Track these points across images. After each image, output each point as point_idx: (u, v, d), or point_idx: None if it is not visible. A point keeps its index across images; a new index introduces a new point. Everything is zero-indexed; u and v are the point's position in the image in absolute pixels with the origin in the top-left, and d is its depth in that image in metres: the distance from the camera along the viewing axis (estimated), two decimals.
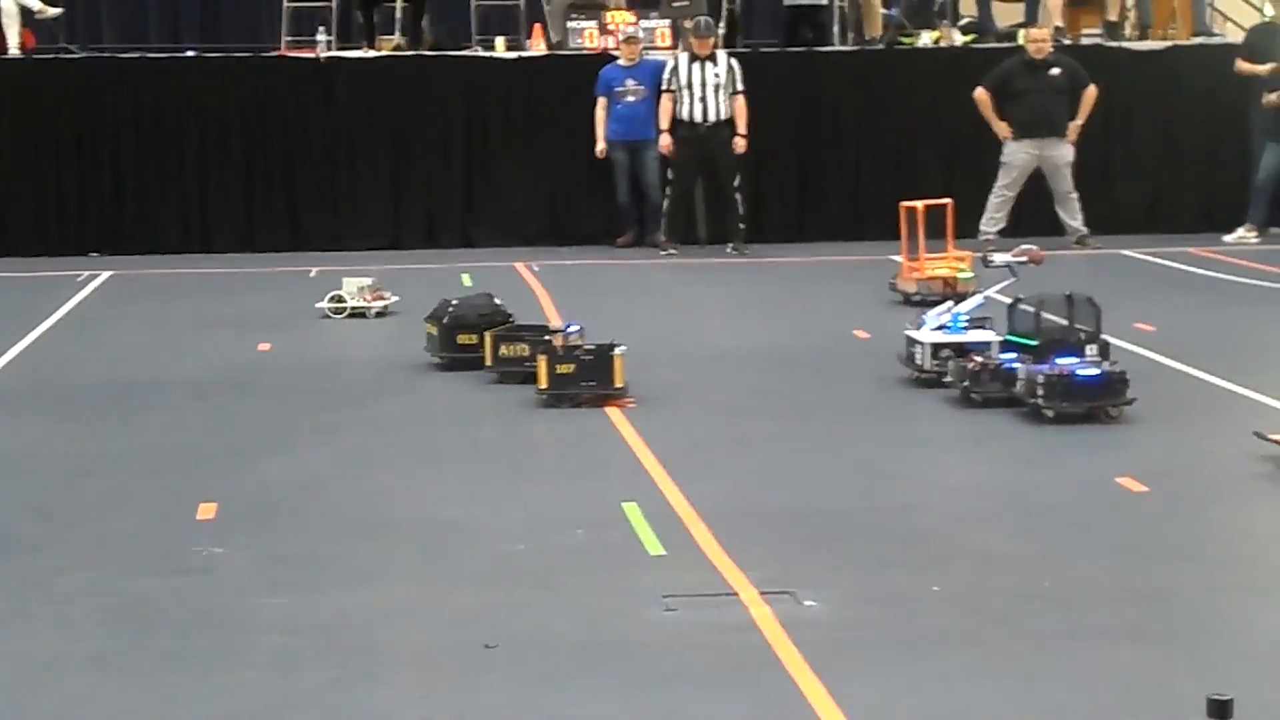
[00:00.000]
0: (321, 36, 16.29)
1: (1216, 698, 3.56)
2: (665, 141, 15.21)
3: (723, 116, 15.15)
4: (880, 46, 16.97)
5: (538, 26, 16.68)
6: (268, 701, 5.08)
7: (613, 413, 8.82)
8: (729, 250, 15.22)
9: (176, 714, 5.02)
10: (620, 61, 15.63)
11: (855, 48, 16.90)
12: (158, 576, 6.31)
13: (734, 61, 15.29)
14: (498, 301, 10.45)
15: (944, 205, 12.72)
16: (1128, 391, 8.55)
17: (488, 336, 9.73)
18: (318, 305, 11.94)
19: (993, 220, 15.28)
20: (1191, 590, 6.05)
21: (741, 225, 15.32)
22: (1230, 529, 6.91)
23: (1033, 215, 15.48)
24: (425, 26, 16.92)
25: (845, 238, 15.95)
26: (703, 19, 15.46)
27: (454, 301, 10.33)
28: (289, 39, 17.00)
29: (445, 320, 10.12)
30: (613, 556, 6.47)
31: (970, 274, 11.87)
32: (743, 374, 10.07)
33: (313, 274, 14.48)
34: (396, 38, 16.87)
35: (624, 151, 15.56)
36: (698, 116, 15.14)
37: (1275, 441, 7.62)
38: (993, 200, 15.28)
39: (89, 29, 18.43)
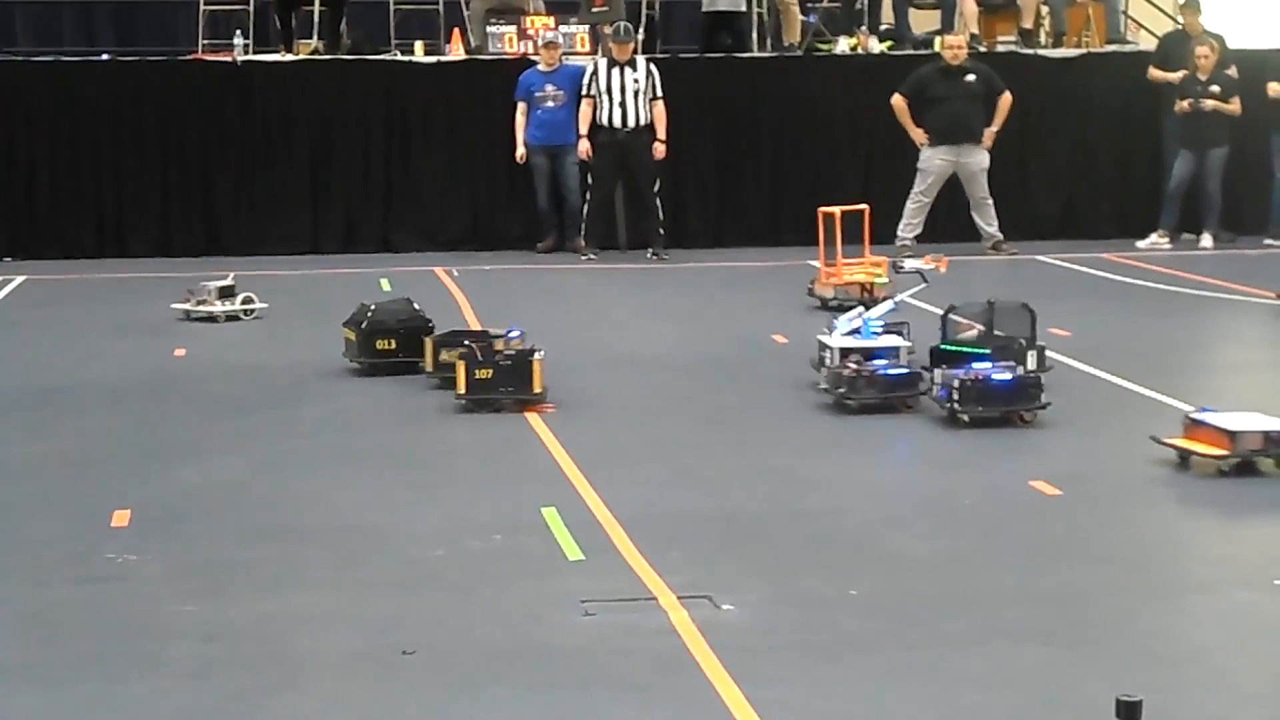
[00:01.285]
0: (239, 40, 16.20)
1: (1125, 699, 3.60)
2: (584, 147, 15.23)
3: (642, 122, 15.19)
4: (798, 53, 17.05)
5: (456, 31, 16.65)
6: (182, 709, 5.05)
7: (532, 418, 8.81)
8: (649, 256, 15.24)
9: None
10: (540, 67, 15.62)
11: (773, 54, 16.97)
12: (71, 584, 6.25)
13: (653, 67, 15.33)
14: (416, 306, 10.41)
15: (861, 211, 12.70)
16: (1041, 396, 8.61)
17: (428, 341, 9.69)
18: (174, 305, 12.09)
19: (909, 226, 15.38)
20: (1103, 592, 6.11)
21: (661, 231, 15.35)
22: (1141, 532, 6.99)
23: (949, 221, 15.60)
24: (343, 30, 16.85)
25: (764, 243, 16.01)
26: (622, 24, 15.49)
27: (372, 306, 10.28)
28: (206, 42, 16.87)
29: (364, 325, 10.07)
30: (531, 562, 6.47)
31: (887, 279, 11.94)
32: (662, 379, 10.08)
33: (230, 279, 14.37)
34: (314, 41, 16.78)
35: (544, 156, 15.55)
36: (617, 122, 15.17)
37: (1172, 446, 7.72)
38: (910, 206, 15.37)
39: (2, 31, 18.22)
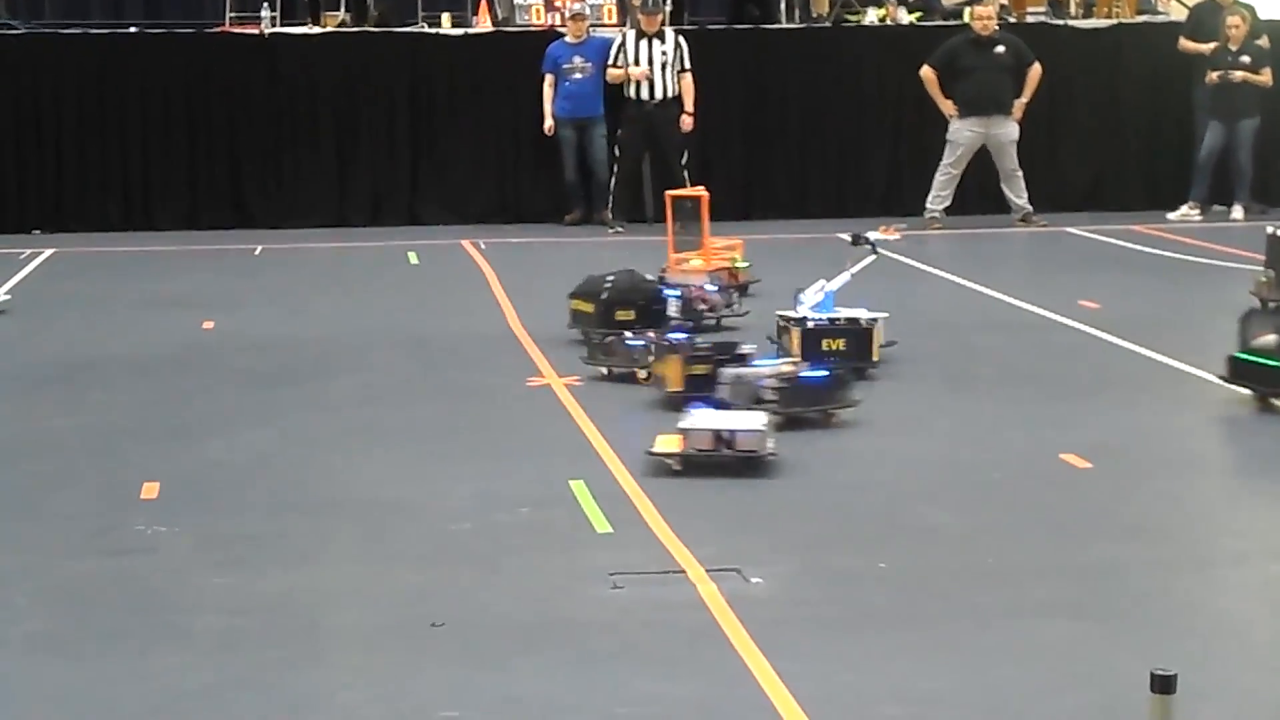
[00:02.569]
0: (265, 12, 16.18)
1: (1160, 672, 3.57)
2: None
3: (670, 94, 15.15)
4: (826, 24, 16.98)
5: (484, 3, 16.61)
6: (210, 682, 5.05)
7: (560, 391, 8.80)
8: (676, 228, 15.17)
9: (117, 695, 4.98)
10: (567, 39, 15.57)
11: (801, 25, 16.90)
12: (99, 556, 6.26)
13: (681, 39, 15.28)
14: (649, 278, 10.22)
15: (699, 198, 11.80)
16: (849, 394, 8.19)
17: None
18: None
19: (938, 198, 15.32)
20: (1134, 566, 6.08)
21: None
22: (1172, 505, 6.95)
23: (978, 193, 15.55)
24: (370, 2, 16.83)
25: (791, 215, 15.97)
26: None
27: (609, 278, 9.90)
28: (233, 15, 16.86)
29: (604, 296, 9.76)
30: (559, 535, 6.45)
31: (747, 263, 11.57)
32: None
33: (257, 252, 14.41)
34: (341, 14, 16.77)
35: (571, 129, 15.51)
36: (644, 94, 15.12)
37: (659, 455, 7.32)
38: (938, 178, 15.32)
39: (31, 4, 18.24)
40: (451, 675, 5.08)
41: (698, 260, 11.36)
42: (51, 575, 6.07)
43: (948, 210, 15.31)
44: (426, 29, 16.49)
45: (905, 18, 16.98)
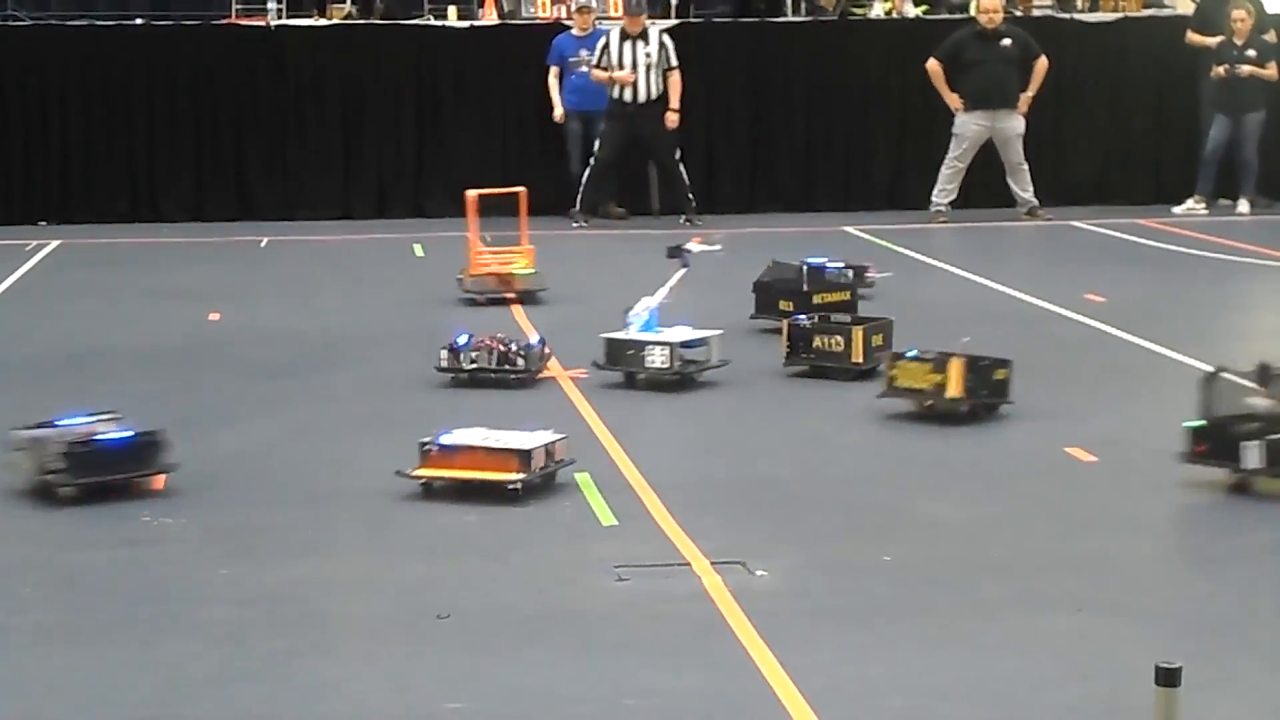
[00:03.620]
0: (272, 4, 16.21)
1: (1165, 666, 3.57)
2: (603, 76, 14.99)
3: (654, 95, 14.99)
4: (832, 17, 16.97)
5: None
6: (216, 672, 5.06)
7: (565, 384, 8.80)
8: (682, 221, 15.19)
9: (123, 685, 4.99)
10: (574, 31, 15.56)
11: (807, 18, 16.89)
12: (106, 547, 6.27)
13: (666, 38, 15.11)
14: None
15: (516, 194, 11.65)
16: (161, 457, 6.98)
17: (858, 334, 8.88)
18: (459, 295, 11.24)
19: (944, 192, 15.31)
20: (1139, 559, 6.09)
21: (690, 196, 15.28)
22: (1177, 498, 6.94)
23: (983, 187, 15.55)
24: None
25: (797, 208, 15.97)
26: None
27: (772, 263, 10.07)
28: (239, 7, 16.88)
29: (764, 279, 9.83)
30: (565, 527, 6.46)
31: (531, 270, 11.33)
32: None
33: (263, 244, 14.43)
34: (347, 6, 16.79)
35: (578, 122, 15.50)
36: (627, 96, 14.97)
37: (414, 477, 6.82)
38: (944, 172, 15.30)
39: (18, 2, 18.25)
40: (457, 666, 5.09)
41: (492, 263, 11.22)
42: (58, 566, 6.09)
43: (953, 204, 15.30)
44: (432, 21, 16.50)
45: (911, 11, 16.98)
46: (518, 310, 10.89)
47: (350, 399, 8.68)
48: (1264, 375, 7.04)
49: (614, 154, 15.18)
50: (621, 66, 14.92)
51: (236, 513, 6.70)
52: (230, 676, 5.03)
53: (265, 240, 14.56)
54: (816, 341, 8.89)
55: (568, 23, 15.88)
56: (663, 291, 9.02)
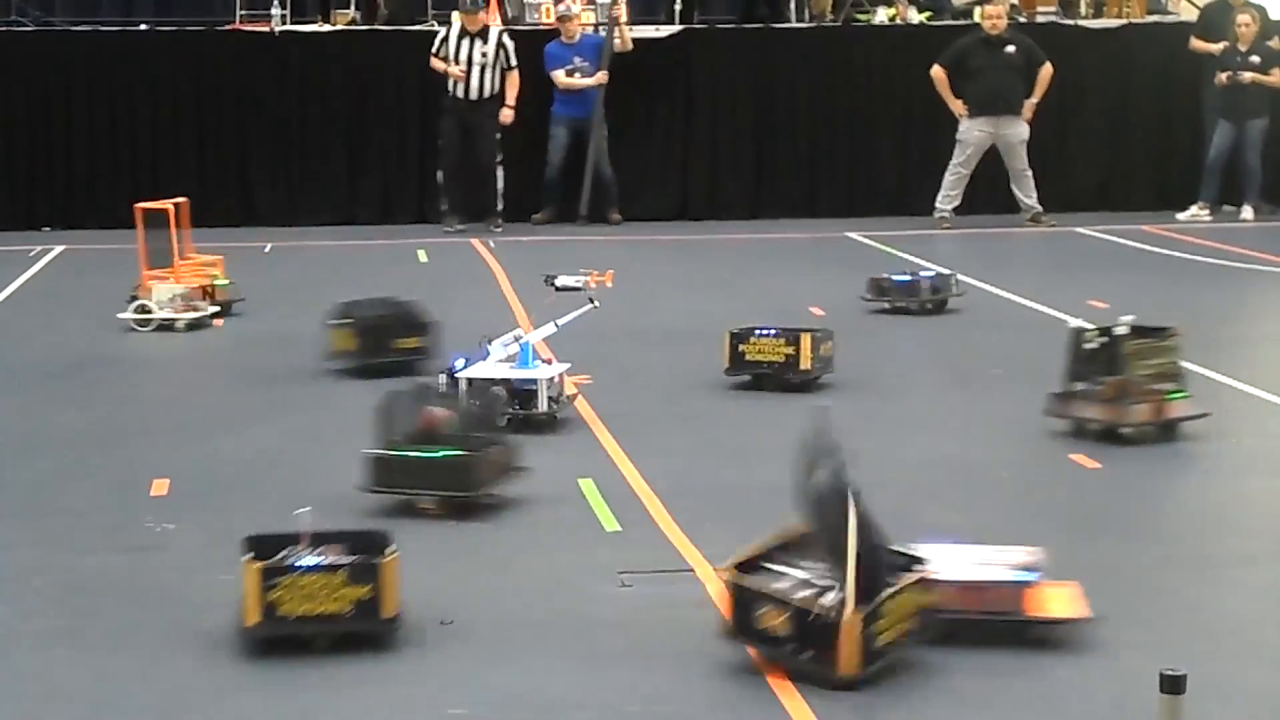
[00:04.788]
0: (276, 10, 16.20)
1: (1170, 673, 3.57)
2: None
3: (487, 94, 14.94)
4: (836, 23, 16.98)
5: (494, 1, 16.62)
6: (218, 679, 5.06)
7: (570, 389, 8.79)
8: (490, 228, 15.08)
9: (127, 691, 4.99)
10: (562, 39, 15.52)
11: (811, 25, 16.91)
12: (110, 553, 6.27)
13: (506, 38, 15.05)
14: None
15: (179, 204, 11.13)
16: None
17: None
18: (120, 315, 10.63)
19: (948, 198, 15.32)
20: (1144, 565, 6.08)
21: (499, 203, 15.19)
22: (1182, 505, 6.95)
23: (987, 193, 15.56)
24: (380, 1, 16.83)
25: (801, 214, 15.97)
26: None
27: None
28: (243, 13, 16.90)
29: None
30: (568, 533, 6.46)
31: (228, 281, 11.17)
32: (698, 351, 10.04)
33: (267, 249, 14.43)
34: (351, 11, 16.79)
35: (565, 129, 15.46)
36: (460, 92, 14.93)
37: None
38: (948, 178, 15.31)
39: (41, 2, 18.27)
40: (460, 672, 5.08)
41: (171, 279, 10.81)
42: (62, 571, 6.08)
43: (957, 210, 15.31)
44: (436, 27, 16.49)
45: (915, 17, 16.99)
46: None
47: (353, 405, 8.65)
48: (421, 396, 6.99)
49: (454, 151, 15.07)
50: (458, 62, 14.86)
51: (240, 519, 6.68)
52: (233, 684, 5.03)
53: (269, 246, 14.56)
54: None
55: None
56: (548, 328, 8.49)
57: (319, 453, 7.72)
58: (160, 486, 7.07)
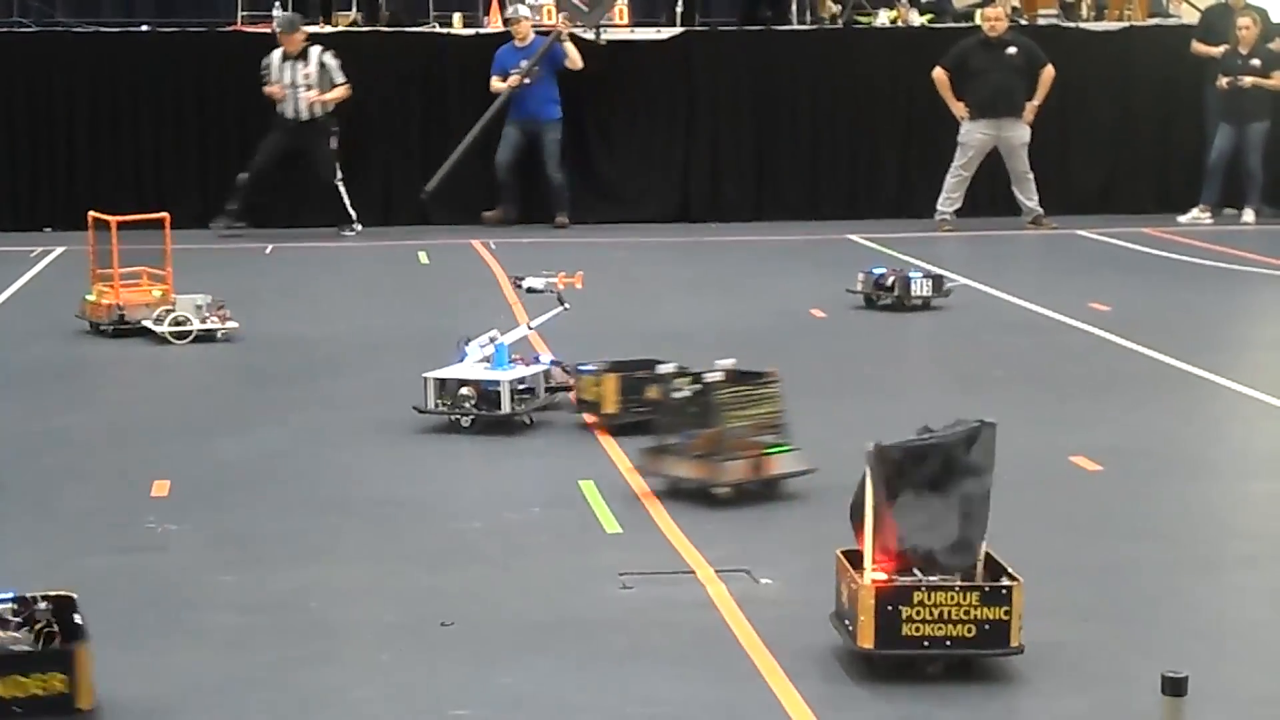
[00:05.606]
0: (277, 11, 16.18)
1: (1171, 675, 3.57)
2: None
3: (318, 113, 14.97)
4: (838, 26, 16.98)
5: (495, 3, 16.62)
6: (220, 679, 5.06)
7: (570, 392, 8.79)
8: (343, 233, 15.07)
9: (129, 692, 4.98)
10: (515, 42, 15.46)
11: (812, 27, 16.90)
12: (111, 553, 6.27)
13: (327, 57, 15.01)
14: None
15: (161, 219, 10.83)
16: None
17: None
18: (157, 329, 10.20)
19: (949, 200, 15.31)
20: (1145, 568, 6.08)
21: (348, 211, 15.13)
22: (1183, 507, 6.94)
23: (989, 195, 15.55)
24: (382, 2, 16.83)
25: (802, 216, 15.97)
26: (285, 16, 15.25)
27: None
28: (245, 14, 16.89)
29: None
30: (569, 535, 6.46)
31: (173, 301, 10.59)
32: (699, 352, 10.03)
33: (268, 251, 14.43)
34: (353, 13, 16.78)
35: (519, 131, 15.39)
36: (289, 113, 14.96)
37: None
38: (949, 180, 15.30)
39: (43, 2, 18.27)
40: (462, 674, 5.09)
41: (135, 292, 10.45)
42: (63, 572, 6.06)
43: (958, 212, 15.30)
44: (438, 29, 16.51)
45: (917, 19, 16.98)
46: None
47: (355, 406, 8.67)
48: None
49: (268, 162, 15.02)
50: (281, 85, 14.90)
51: (241, 520, 6.70)
52: (235, 684, 5.03)
53: (270, 247, 14.56)
54: (651, 392, 7.71)
55: (585, 33, 15.87)
56: (521, 329, 8.56)
57: (320, 454, 7.72)
58: (161, 487, 7.07)
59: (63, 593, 4.96)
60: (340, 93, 15.00)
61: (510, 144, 15.47)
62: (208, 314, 10.29)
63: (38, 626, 4.80)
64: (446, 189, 15.71)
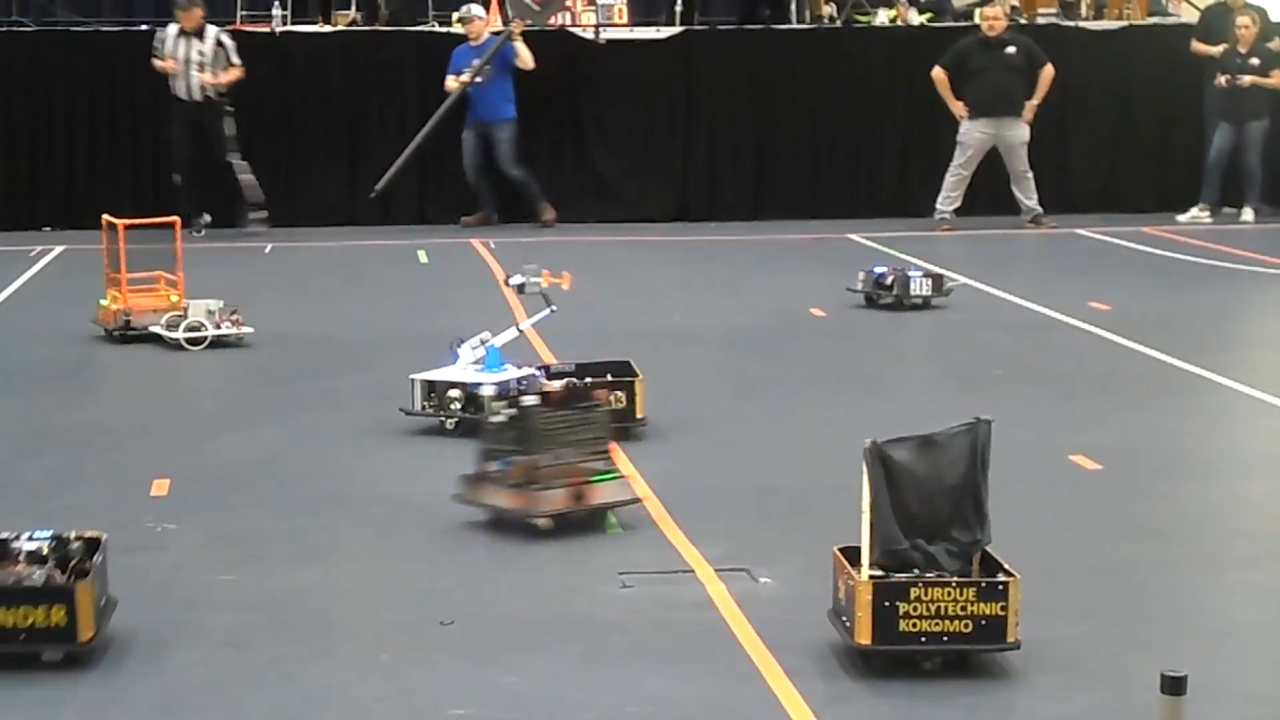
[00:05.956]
0: (276, 11, 16.19)
1: (1170, 674, 3.57)
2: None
3: (210, 95, 14.89)
4: (837, 25, 16.98)
5: (495, 2, 16.61)
6: (220, 678, 5.06)
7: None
8: (243, 226, 15.01)
9: (128, 691, 4.99)
10: (470, 42, 15.43)
11: (812, 26, 16.90)
12: (110, 552, 6.25)
13: (224, 37, 14.95)
14: None
15: (171, 223, 10.74)
16: None
17: None
18: (170, 336, 10.01)
19: (948, 199, 15.31)
20: (1144, 567, 6.08)
21: (253, 200, 15.01)
22: (1182, 506, 6.94)
23: (988, 195, 15.55)
24: (381, 1, 16.82)
25: (801, 216, 15.97)
26: None
27: None
28: (244, 13, 16.87)
29: None
30: (569, 534, 6.45)
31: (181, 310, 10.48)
32: (699, 352, 10.06)
33: (268, 250, 14.43)
34: (352, 12, 16.78)
35: (474, 132, 15.36)
36: (183, 93, 14.88)
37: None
38: (948, 179, 15.30)
39: (42, 1, 18.26)
40: (461, 673, 5.09)
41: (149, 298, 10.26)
42: None
43: (958, 211, 15.30)
44: (437, 28, 16.50)
45: (916, 19, 16.98)
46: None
47: (355, 405, 8.67)
48: None
49: (186, 153, 14.97)
50: (176, 62, 14.81)
51: (241, 518, 6.70)
52: (234, 683, 5.03)
53: (269, 246, 14.56)
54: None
55: (571, 29, 15.86)
56: (511, 332, 8.48)
57: (320, 453, 7.72)
58: (160, 486, 7.08)
59: (92, 534, 5.44)
60: (234, 74, 14.89)
61: (469, 149, 15.41)
62: (221, 319, 10.12)
63: (71, 563, 5.28)
64: (450, 188, 15.72)
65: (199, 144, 14.98)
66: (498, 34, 15.40)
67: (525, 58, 15.28)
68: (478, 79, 15.17)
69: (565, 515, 6.41)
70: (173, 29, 14.92)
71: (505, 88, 15.32)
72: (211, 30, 14.95)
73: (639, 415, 7.88)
